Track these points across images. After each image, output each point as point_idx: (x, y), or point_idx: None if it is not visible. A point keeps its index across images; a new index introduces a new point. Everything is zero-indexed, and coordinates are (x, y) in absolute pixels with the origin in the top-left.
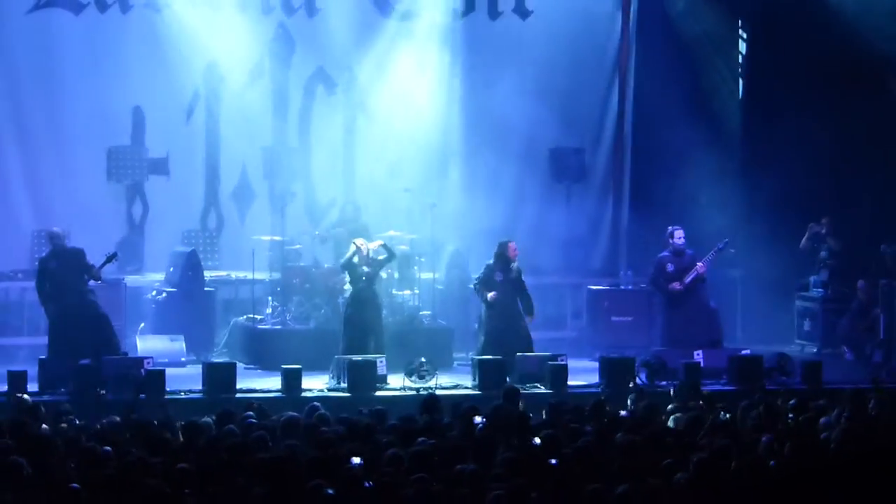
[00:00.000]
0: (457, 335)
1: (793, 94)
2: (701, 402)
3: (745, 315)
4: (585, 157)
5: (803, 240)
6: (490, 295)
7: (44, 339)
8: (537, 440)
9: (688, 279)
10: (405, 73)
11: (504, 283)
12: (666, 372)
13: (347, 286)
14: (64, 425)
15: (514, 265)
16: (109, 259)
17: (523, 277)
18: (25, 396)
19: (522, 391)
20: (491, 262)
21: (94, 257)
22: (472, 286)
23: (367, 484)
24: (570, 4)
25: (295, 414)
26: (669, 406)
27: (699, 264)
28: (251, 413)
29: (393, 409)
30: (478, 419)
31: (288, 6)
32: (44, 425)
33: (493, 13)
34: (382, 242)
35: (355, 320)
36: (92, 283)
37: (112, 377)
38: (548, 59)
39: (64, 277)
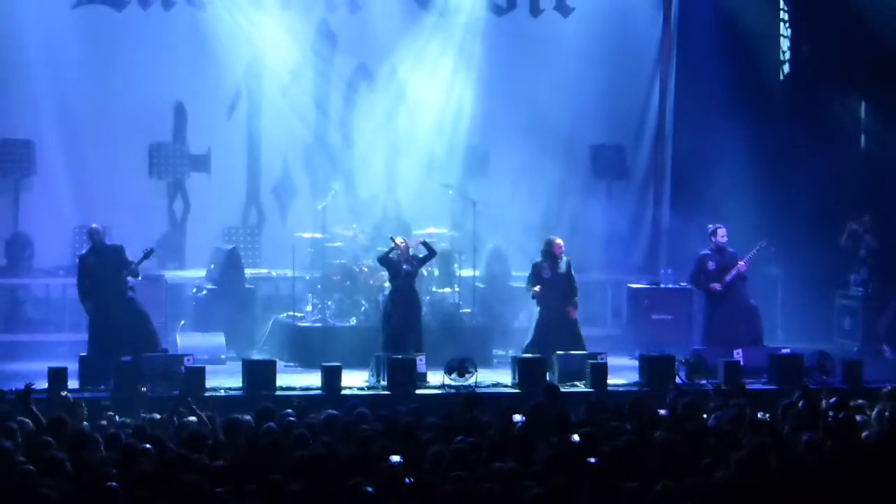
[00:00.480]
0: (497, 332)
1: (836, 90)
2: (741, 401)
3: (785, 313)
4: (626, 154)
5: (843, 238)
6: (535, 289)
7: (84, 336)
8: (576, 438)
9: (728, 278)
10: (446, 69)
11: (553, 279)
12: (706, 370)
13: (387, 284)
14: (104, 422)
15: (564, 260)
16: (147, 255)
17: (573, 271)
18: (66, 393)
19: (562, 389)
20: (538, 259)
21: (135, 254)
22: (524, 287)
23: (406, 481)
24: (611, 1)
25: (334, 412)
26: (711, 404)
27: (741, 263)
28: (290, 411)
29: (433, 406)
30: (517, 417)
31: (330, 3)
32: (84, 422)
33: (535, 10)
34: (423, 241)
35: (395, 318)
36: (131, 279)
37: (152, 374)
38: (589, 55)
39: (103, 274)
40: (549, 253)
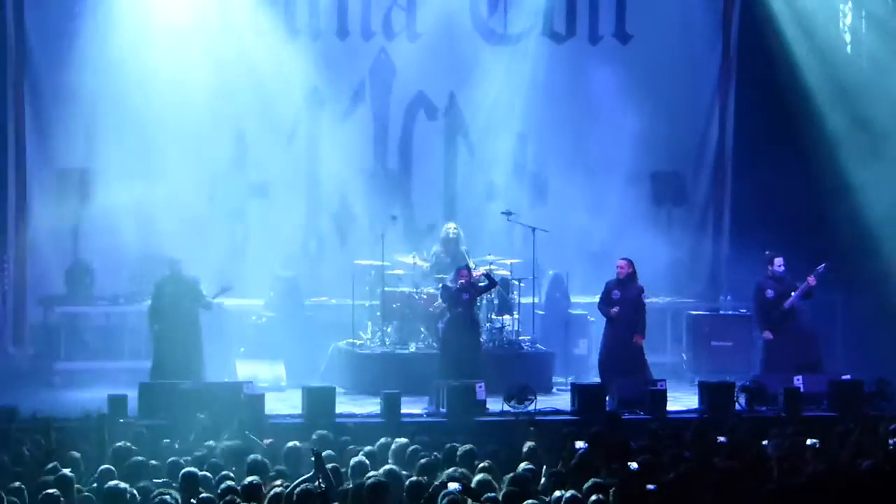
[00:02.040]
0: (557, 360)
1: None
2: (801, 428)
3: (846, 340)
4: (686, 182)
5: None
6: (613, 311)
7: (143, 364)
8: (634, 465)
9: (797, 294)
10: (504, 96)
11: (620, 301)
12: (766, 397)
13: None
14: (163, 449)
15: (637, 283)
16: (224, 291)
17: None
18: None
19: (622, 416)
20: (611, 280)
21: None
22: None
23: None
24: (669, 28)
25: (389, 439)
26: (771, 431)
27: (810, 277)
28: (348, 437)
29: (492, 434)
30: (579, 444)
31: (389, 31)
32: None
33: (594, 38)
34: (486, 271)
35: (454, 345)
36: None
37: (213, 402)
38: (648, 82)
39: (178, 304)
40: (616, 274)
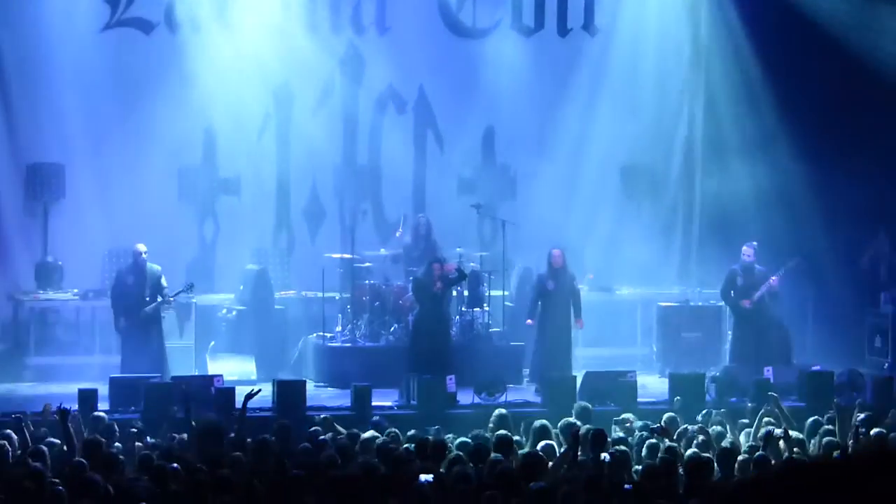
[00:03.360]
0: (527, 352)
1: (870, 106)
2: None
3: (815, 332)
4: (657, 174)
5: (865, 257)
6: (549, 286)
7: (114, 359)
8: (607, 456)
9: (758, 294)
10: (473, 90)
11: (555, 291)
12: (736, 387)
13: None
14: (138, 444)
15: (569, 272)
16: (187, 289)
17: (577, 285)
18: (101, 415)
19: (592, 408)
20: (542, 272)
21: (167, 278)
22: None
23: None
24: (638, 21)
25: (356, 431)
26: (740, 421)
27: (773, 278)
28: (318, 428)
29: (463, 426)
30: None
31: (358, 25)
32: (117, 443)
33: (563, 30)
34: (457, 264)
35: (424, 338)
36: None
37: (183, 396)
38: (617, 74)
39: (138, 295)
40: (548, 264)
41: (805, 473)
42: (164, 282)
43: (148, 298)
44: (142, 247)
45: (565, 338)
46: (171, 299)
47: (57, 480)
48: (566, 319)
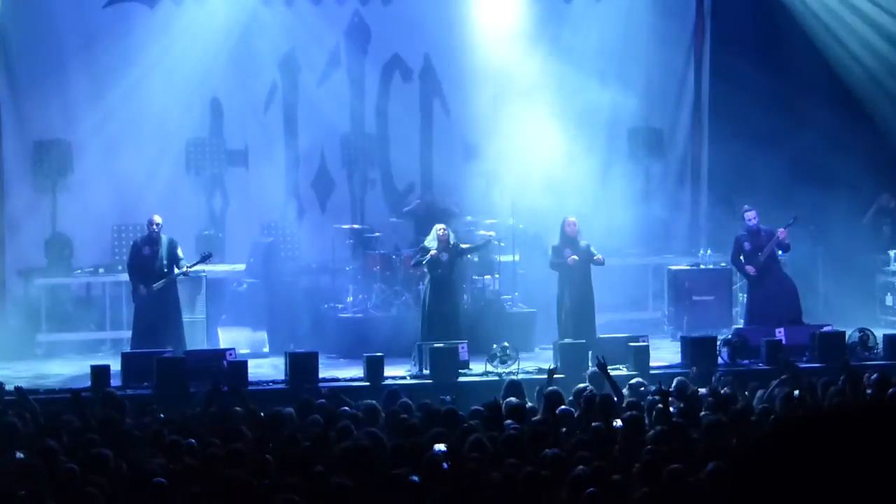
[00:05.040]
0: (539, 319)
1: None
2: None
3: (826, 292)
4: (664, 137)
5: (869, 213)
6: (571, 258)
7: (125, 334)
8: (619, 423)
9: (763, 255)
10: (480, 56)
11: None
12: (748, 350)
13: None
14: (148, 418)
15: (583, 243)
16: (204, 258)
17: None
18: (113, 391)
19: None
20: (556, 242)
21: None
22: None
23: (444, 466)
24: None
25: (373, 402)
26: (751, 383)
27: (780, 230)
28: (323, 400)
29: (476, 394)
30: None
31: None
32: (128, 419)
33: None
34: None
35: (435, 307)
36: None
37: (195, 370)
38: (623, 38)
39: (153, 265)
40: (562, 233)
41: (821, 422)
42: (180, 253)
43: (166, 270)
44: (157, 218)
45: (588, 305)
46: (190, 269)
47: (65, 459)
48: (587, 286)
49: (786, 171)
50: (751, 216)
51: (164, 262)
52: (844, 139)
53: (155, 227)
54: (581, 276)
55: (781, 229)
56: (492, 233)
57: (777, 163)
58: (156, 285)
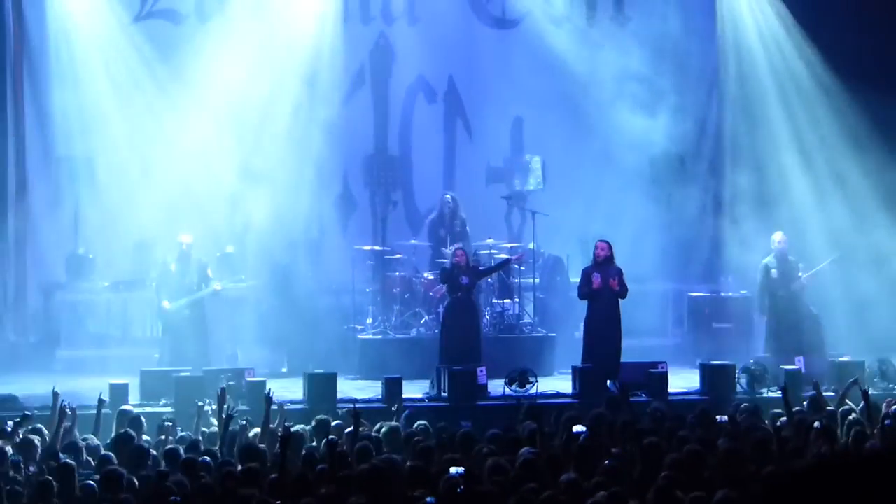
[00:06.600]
0: (558, 343)
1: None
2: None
3: (850, 322)
4: (686, 162)
5: None
6: (595, 281)
7: (145, 350)
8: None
9: (807, 276)
10: (502, 79)
11: (600, 284)
12: (767, 379)
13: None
14: (166, 437)
15: (615, 266)
16: (238, 282)
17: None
18: (130, 408)
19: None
20: (588, 266)
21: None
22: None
23: (460, 489)
24: (668, 9)
25: (396, 424)
26: (772, 411)
27: (802, 276)
28: (340, 421)
29: (494, 418)
30: (579, 428)
31: (388, 16)
32: (145, 437)
33: (592, 20)
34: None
35: (454, 330)
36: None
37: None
38: (647, 63)
39: (182, 284)
40: (593, 256)
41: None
42: (209, 272)
43: (195, 289)
44: (187, 237)
45: (613, 328)
46: (219, 288)
47: (85, 474)
48: (614, 310)
49: (812, 199)
50: (781, 240)
51: (194, 280)
52: (879, 165)
53: (185, 246)
54: (608, 300)
55: (804, 276)
56: (503, 255)
57: (801, 189)
58: (173, 305)
